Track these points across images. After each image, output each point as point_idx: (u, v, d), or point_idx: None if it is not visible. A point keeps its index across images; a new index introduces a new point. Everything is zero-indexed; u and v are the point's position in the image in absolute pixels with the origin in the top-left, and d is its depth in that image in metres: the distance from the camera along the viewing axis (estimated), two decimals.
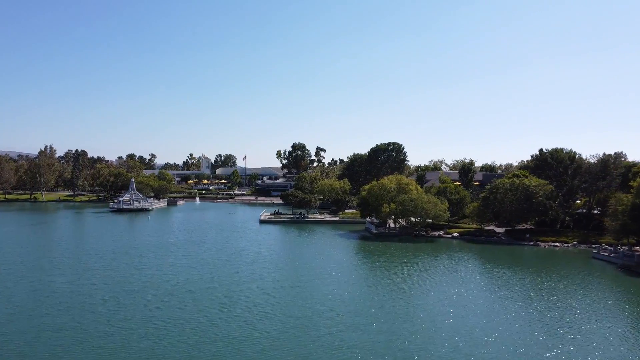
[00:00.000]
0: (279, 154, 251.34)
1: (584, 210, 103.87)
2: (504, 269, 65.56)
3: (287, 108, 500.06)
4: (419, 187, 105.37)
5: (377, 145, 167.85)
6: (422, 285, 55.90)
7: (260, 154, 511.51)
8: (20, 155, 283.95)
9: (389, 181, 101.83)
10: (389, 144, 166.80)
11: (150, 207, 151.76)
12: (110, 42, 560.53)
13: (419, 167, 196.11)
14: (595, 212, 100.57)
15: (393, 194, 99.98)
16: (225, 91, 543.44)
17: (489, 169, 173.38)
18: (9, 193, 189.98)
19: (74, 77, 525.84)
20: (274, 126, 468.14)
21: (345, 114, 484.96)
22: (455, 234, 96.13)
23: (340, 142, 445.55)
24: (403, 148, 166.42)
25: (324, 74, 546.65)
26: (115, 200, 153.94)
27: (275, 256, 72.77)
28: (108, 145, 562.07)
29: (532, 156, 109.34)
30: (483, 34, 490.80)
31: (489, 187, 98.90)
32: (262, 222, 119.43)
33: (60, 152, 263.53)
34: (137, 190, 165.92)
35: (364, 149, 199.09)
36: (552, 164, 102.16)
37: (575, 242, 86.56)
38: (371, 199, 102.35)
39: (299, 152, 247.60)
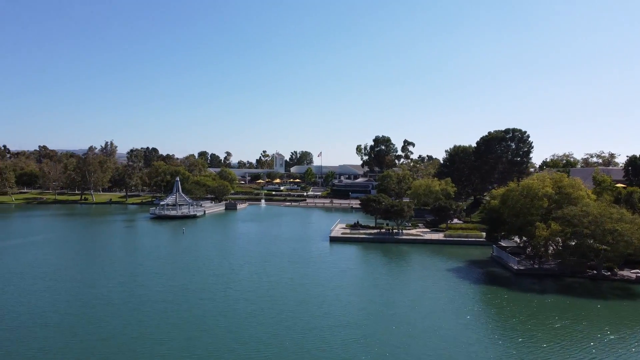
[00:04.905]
0: (358, 149, 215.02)
1: None
2: None
3: (368, 103, 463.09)
4: (589, 192, 63.58)
5: (489, 133, 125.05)
6: None
7: (338, 151, 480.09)
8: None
9: (541, 182, 61.22)
10: (506, 130, 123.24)
11: (199, 213, 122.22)
12: (190, 45, 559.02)
13: (544, 163, 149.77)
14: None
15: (546, 204, 59.61)
16: (303, 85, 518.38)
17: None
18: (60, 193, 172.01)
19: (154, 80, 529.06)
20: (354, 121, 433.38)
21: (434, 108, 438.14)
22: None
23: (428, 138, 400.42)
24: (528, 136, 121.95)
25: (406, 69, 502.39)
26: (157, 205, 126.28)
27: (350, 344, 36.09)
28: (184, 145, 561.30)
29: None
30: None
31: None
32: (333, 240, 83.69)
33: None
34: (188, 191, 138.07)
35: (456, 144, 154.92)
36: None
37: None
38: (508, 212, 62.50)
39: (383, 147, 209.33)
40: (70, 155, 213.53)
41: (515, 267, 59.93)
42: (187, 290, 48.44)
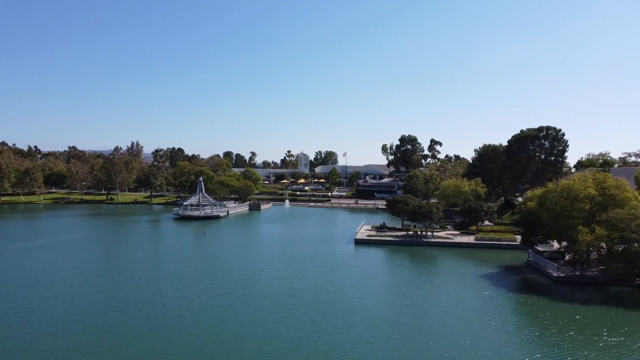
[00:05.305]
0: (384, 148, 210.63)
1: None
2: None
3: (394, 102, 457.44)
4: (637, 194, 58.62)
5: (521, 131, 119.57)
6: None
7: (363, 151, 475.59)
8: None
9: (583, 183, 56.75)
10: (540, 129, 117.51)
11: (222, 214, 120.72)
12: (217, 45, 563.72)
13: (579, 163, 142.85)
14: None
15: (588, 206, 55.18)
16: (328, 85, 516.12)
17: None
18: (87, 193, 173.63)
19: (181, 80, 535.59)
20: (379, 120, 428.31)
21: (461, 107, 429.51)
22: None
23: (455, 137, 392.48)
24: (563, 134, 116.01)
25: (432, 67, 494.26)
26: (180, 205, 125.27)
27: None
28: (210, 145, 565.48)
29: None
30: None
31: None
32: (358, 242, 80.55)
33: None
34: (212, 191, 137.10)
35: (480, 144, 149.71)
36: None
37: None
38: (546, 215, 58.20)
39: (409, 146, 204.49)
40: (97, 155, 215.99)
41: (555, 274, 55.62)
42: (205, 297, 46.15)
